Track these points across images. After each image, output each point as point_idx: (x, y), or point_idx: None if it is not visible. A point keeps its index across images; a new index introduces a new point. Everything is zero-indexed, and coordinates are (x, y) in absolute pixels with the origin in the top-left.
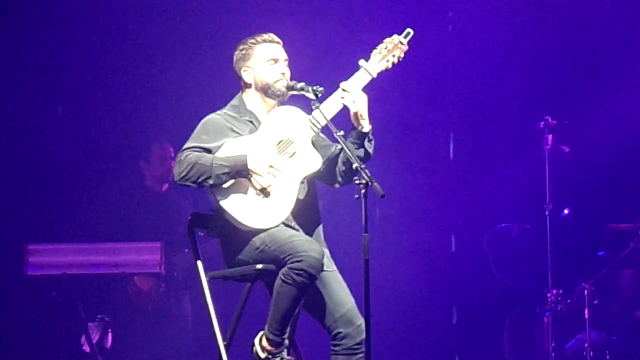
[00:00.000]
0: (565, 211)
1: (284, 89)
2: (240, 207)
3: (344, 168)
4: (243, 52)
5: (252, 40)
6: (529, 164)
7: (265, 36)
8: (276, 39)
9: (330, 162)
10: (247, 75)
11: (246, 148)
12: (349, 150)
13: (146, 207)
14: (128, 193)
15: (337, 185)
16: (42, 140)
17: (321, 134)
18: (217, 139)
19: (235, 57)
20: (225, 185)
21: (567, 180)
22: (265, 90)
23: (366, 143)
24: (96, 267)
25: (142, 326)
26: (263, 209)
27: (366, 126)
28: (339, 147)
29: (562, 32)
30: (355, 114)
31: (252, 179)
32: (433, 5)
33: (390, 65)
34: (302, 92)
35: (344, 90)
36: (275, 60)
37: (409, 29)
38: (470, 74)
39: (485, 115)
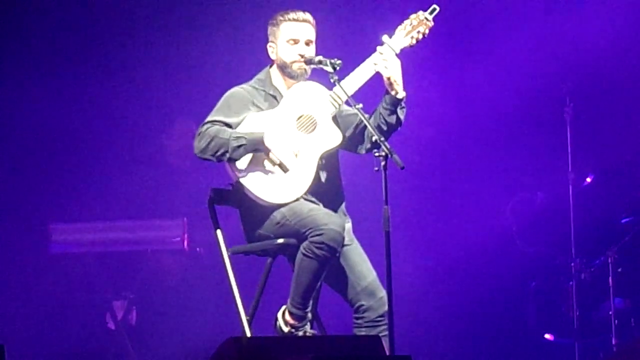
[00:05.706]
0: (588, 179)
1: (299, 71)
2: (258, 183)
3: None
4: (271, 27)
5: (280, 17)
6: (550, 132)
7: (292, 14)
8: (302, 17)
9: (358, 129)
10: (271, 51)
11: (266, 123)
12: (369, 122)
13: (169, 183)
14: (151, 170)
15: (363, 152)
16: (64, 118)
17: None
18: (240, 113)
19: (267, 32)
20: (242, 162)
21: (589, 147)
22: (283, 69)
23: (398, 110)
24: (119, 245)
25: (166, 303)
26: (281, 185)
27: (400, 92)
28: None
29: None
30: (389, 79)
31: (269, 155)
32: None
33: (414, 42)
34: (320, 66)
35: (379, 53)
36: (296, 41)
37: (434, 5)
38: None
39: (508, 82)
